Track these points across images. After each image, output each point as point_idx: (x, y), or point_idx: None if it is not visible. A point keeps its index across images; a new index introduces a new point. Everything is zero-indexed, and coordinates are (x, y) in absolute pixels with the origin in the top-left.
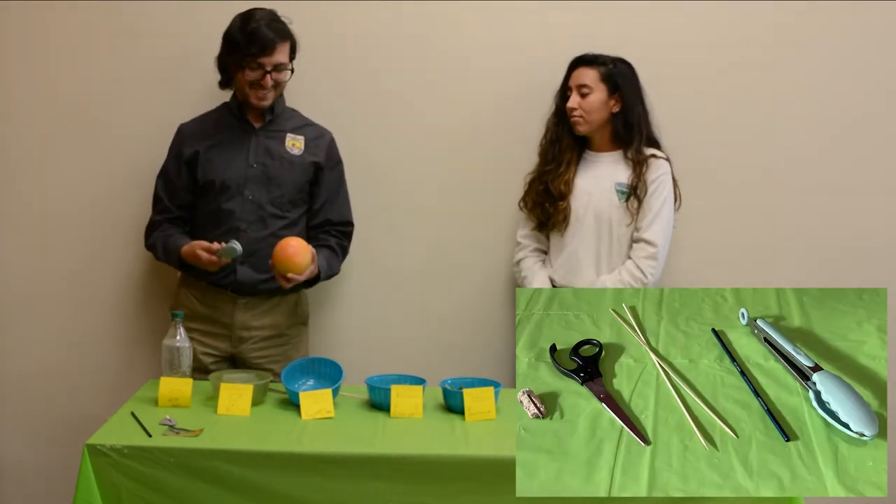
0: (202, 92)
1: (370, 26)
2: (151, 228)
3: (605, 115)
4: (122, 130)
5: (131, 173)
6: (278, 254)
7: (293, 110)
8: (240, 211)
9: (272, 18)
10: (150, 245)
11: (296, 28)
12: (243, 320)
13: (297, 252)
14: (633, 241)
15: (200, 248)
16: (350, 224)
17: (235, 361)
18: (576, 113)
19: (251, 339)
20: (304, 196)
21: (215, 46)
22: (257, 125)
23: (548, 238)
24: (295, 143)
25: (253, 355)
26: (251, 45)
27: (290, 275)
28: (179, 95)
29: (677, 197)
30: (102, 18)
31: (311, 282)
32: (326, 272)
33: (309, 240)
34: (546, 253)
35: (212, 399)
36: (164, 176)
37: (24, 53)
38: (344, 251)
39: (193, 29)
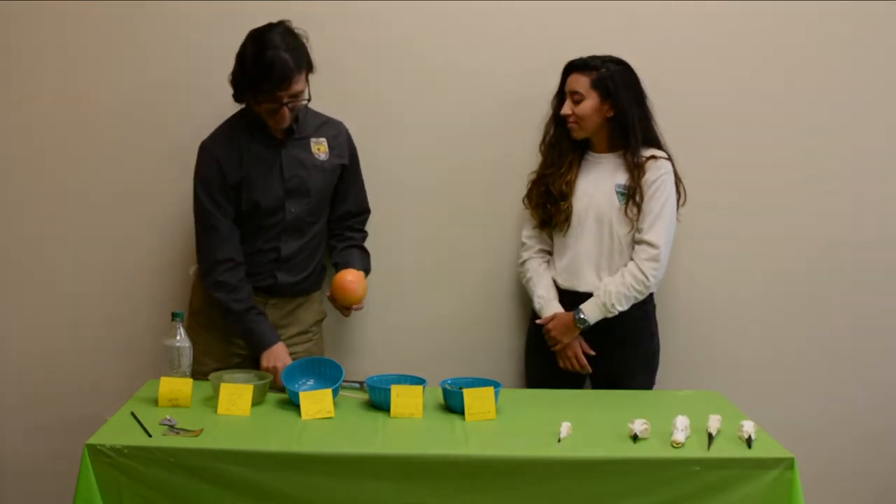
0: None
1: (374, 28)
2: (219, 271)
3: (598, 120)
4: (127, 131)
5: (133, 174)
6: (338, 291)
7: (306, 107)
8: (280, 227)
9: (287, 43)
10: (217, 288)
11: (299, 29)
12: (273, 320)
13: (356, 287)
14: (635, 242)
15: (278, 370)
16: (367, 211)
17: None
18: (570, 119)
19: (279, 338)
20: (329, 198)
21: (226, 46)
22: (281, 137)
23: (551, 238)
24: (320, 148)
25: None
26: (266, 80)
27: (354, 307)
28: (183, 95)
29: (681, 194)
30: (107, 21)
31: None
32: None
33: (332, 235)
34: (551, 253)
35: (212, 399)
36: (212, 201)
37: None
38: (365, 238)
39: (197, 28)
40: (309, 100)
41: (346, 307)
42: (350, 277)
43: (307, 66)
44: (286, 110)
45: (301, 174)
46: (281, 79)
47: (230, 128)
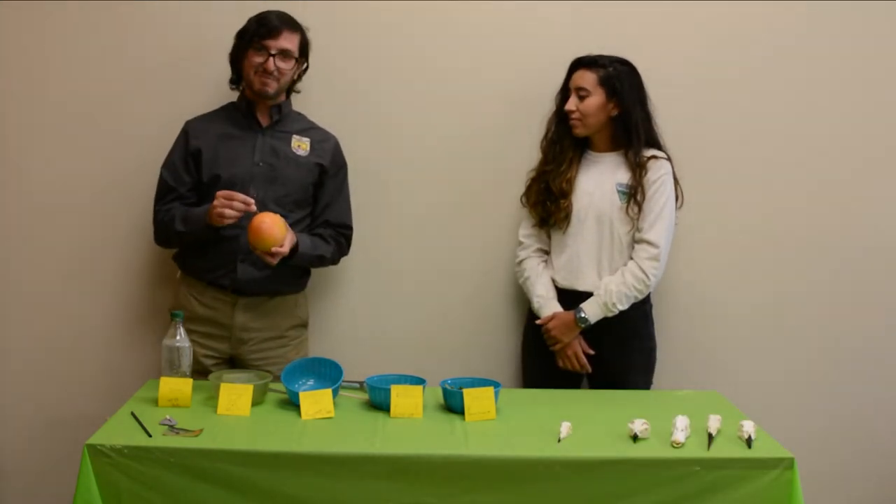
0: (208, 90)
1: (372, 28)
2: (162, 214)
3: (603, 118)
4: (124, 129)
5: (133, 172)
6: (253, 234)
7: (299, 113)
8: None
9: (287, 15)
10: (164, 222)
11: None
12: (243, 322)
13: (272, 226)
14: (636, 241)
15: (240, 199)
16: (347, 227)
17: (235, 363)
18: (574, 115)
19: (251, 341)
20: (308, 199)
21: (221, 46)
22: (264, 124)
23: (549, 236)
24: (301, 145)
25: (252, 357)
26: (258, 28)
27: (273, 249)
28: (183, 93)
29: (679, 196)
30: (107, 16)
31: (289, 257)
32: (310, 249)
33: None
34: (548, 252)
35: (212, 399)
36: (171, 168)
37: (28, 49)
38: (339, 246)
39: (199, 28)
40: (301, 64)
41: (265, 252)
42: (267, 220)
43: (301, 34)
44: (272, 63)
45: (272, 162)
46: (270, 28)
47: (218, 109)
